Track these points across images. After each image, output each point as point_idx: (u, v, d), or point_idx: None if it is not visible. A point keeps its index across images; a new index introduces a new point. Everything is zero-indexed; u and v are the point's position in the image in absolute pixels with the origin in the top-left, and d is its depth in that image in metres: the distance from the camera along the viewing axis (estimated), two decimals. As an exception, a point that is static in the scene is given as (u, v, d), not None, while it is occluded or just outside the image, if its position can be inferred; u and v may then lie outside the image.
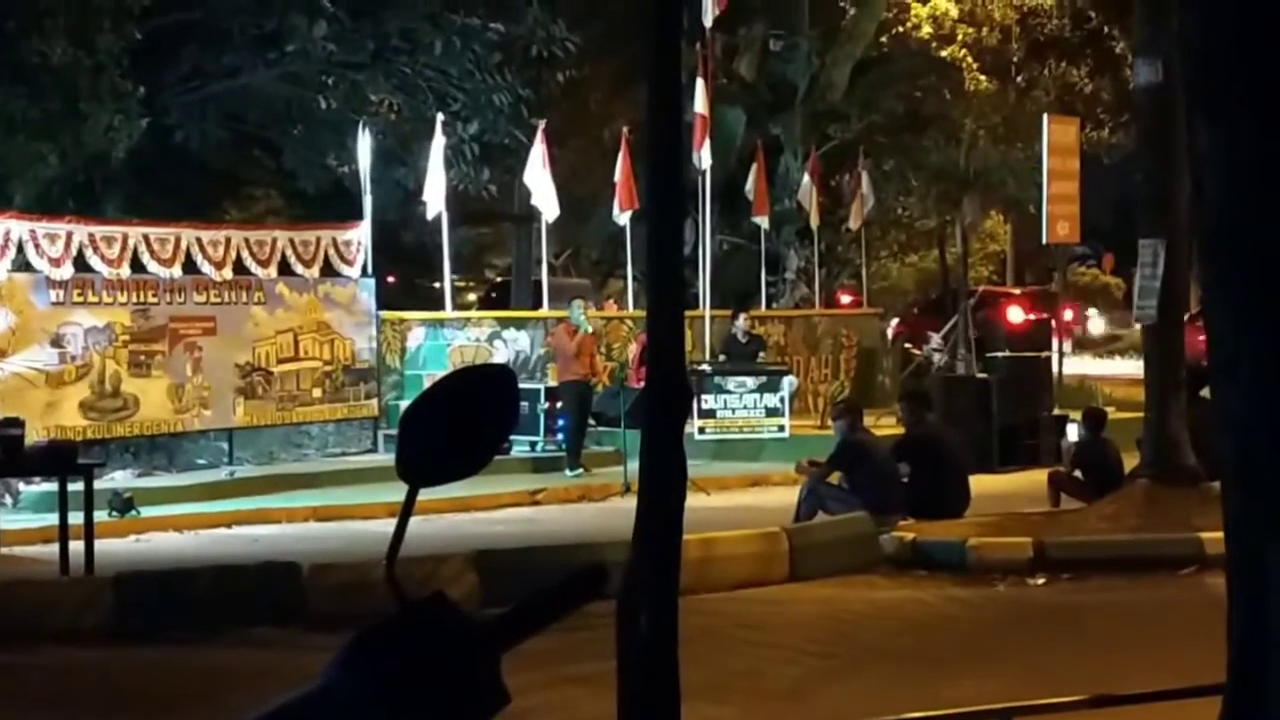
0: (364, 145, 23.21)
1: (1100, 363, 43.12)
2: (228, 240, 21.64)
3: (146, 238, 20.53)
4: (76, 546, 13.54)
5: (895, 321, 40.04)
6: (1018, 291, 41.28)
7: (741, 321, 24.81)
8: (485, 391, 2.20)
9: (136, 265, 20.38)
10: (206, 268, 21.15)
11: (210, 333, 21.20)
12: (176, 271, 20.81)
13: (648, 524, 2.90)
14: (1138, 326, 17.34)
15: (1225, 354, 3.89)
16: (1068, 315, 32.72)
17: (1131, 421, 19.35)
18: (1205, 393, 13.96)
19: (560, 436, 22.22)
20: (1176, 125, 15.31)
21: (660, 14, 2.90)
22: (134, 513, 17.82)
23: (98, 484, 14.98)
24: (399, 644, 2.04)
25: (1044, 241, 27.65)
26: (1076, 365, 37.12)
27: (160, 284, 20.65)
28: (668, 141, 2.88)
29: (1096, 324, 49.96)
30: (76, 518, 13.71)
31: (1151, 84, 16.13)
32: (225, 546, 16.32)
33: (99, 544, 13.94)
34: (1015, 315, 28.28)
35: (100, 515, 15.10)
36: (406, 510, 2.12)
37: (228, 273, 21.41)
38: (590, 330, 22.48)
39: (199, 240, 21.23)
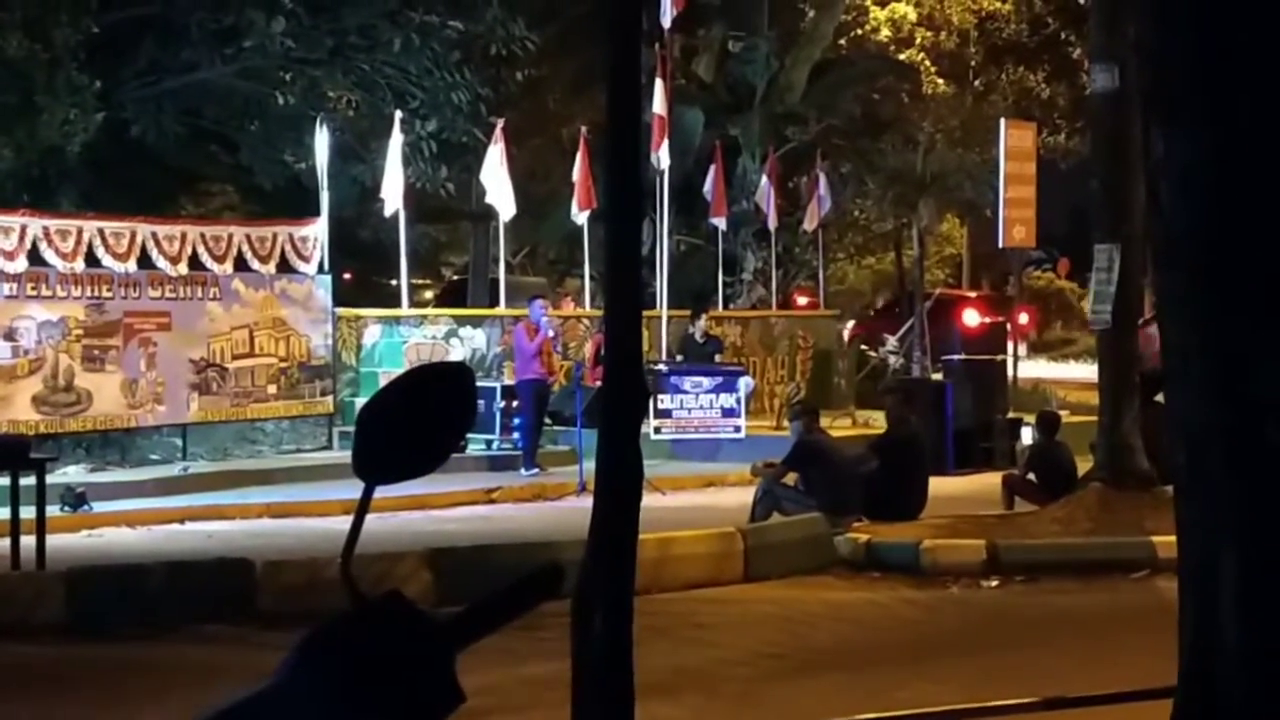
0: (322, 142, 23.15)
1: (1055, 366, 43.30)
2: (183, 235, 21.55)
3: (101, 232, 20.44)
4: (28, 541, 13.47)
5: (852, 323, 40.13)
6: (973, 295, 41.44)
7: (700, 322, 24.84)
8: (442, 389, 2.20)
9: (91, 259, 20.28)
10: (162, 263, 21.06)
11: (165, 328, 21.11)
12: (131, 266, 20.72)
13: (603, 523, 2.90)
14: (1092, 331, 17.41)
15: (1177, 361, 3.92)
16: (1023, 319, 32.82)
17: (1085, 425, 19.44)
18: (1159, 397, 14.04)
19: (516, 435, 22.20)
20: (1132, 131, 15.41)
21: (619, 15, 2.91)
22: (87, 508, 17.74)
23: (50, 479, 14.90)
24: (353, 643, 2.03)
25: (1000, 245, 27.75)
26: (1031, 369, 37.26)
27: (115, 279, 20.56)
28: (627, 142, 2.88)
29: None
30: (29, 512, 13.64)
31: (1107, 90, 16.21)
32: (179, 543, 16.26)
33: (51, 539, 13.88)
34: (971, 319, 28.41)
35: (53, 510, 15.02)
36: (362, 508, 2.12)
37: (183, 268, 21.32)
38: (551, 331, 22.46)
39: (154, 235, 21.14)
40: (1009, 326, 32.55)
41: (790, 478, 16.20)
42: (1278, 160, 3.62)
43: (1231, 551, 3.75)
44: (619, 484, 2.81)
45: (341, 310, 23.98)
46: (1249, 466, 3.72)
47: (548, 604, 2.22)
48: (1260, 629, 3.69)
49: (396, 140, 23.40)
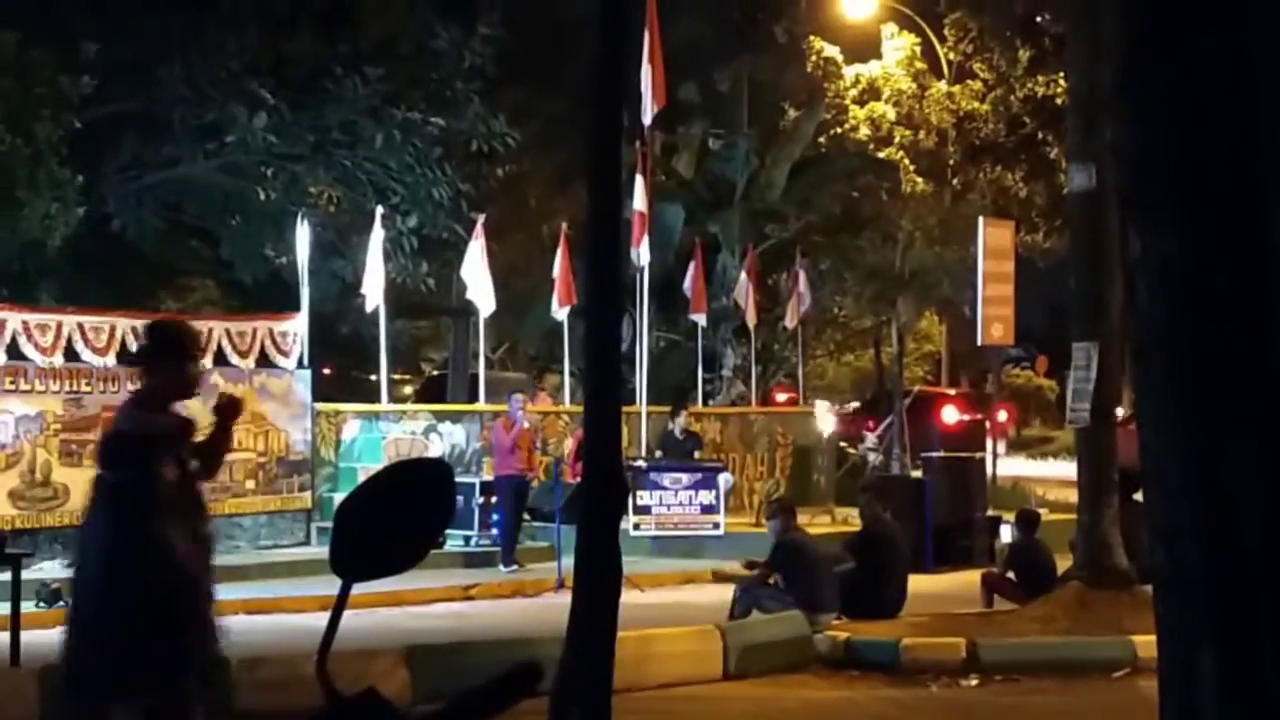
0: (302, 237, 23.18)
1: (1034, 464, 43.33)
2: (163, 330, 21.52)
3: (81, 326, 20.41)
4: (2, 637, 13.37)
5: (846, 406, 40.15)
6: (951, 392, 41.49)
7: (680, 418, 24.80)
8: (421, 486, 2.20)
9: (70, 354, 20.25)
10: (141, 357, 21.01)
11: (143, 422, 21.03)
12: (110, 360, 20.69)
13: (582, 620, 2.89)
14: (1070, 429, 17.43)
15: (1155, 461, 3.92)
16: (1001, 416, 32.87)
17: (1064, 523, 19.43)
18: (1138, 496, 14.03)
19: (495, 531, 22.13)
20: (1109, 230, 15.49)
21: (600, 113, 2.93)
22: (62, 604, 17.60)
23: (25, 574, 14.79)
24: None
25: (979, 343, 27.84)
26: (1010, 466, 37.28)
27: (94, 373, 20.51)
28: (607, 239, 2.90)
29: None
30: (3, 608, 13.54)
31: (1084, 190, 16.32)
32: (154, 639, 16.10)
33: (26, 635, 13.74)
34: (949, 416, 28.44)
35: (28, 606, 14.90)
36: (339, 605, 2.11)
37: (163, 362, 21.27)
38: (528, 425, 22.43)
39: (134, 329, 21.07)
40: (988, 424, 32.59)
41: (767, 573, 16.15)
42: (1253, 260, 3.64)
43: (1211, 652, 3.74)
44: (598, 580, 2.81)
45: (321, 405, 23.93)
46: (1227, 567, 3.72)
47: (526, 701, 2.21)
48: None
49: (377, 235, 23.44)
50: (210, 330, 22.27)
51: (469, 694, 2.17)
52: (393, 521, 2.17)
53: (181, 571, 7.24)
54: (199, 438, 7.76)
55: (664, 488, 23.23)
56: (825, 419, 29.33)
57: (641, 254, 24.41)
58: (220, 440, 7.87)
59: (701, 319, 28.79)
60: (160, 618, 7.12)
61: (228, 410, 7.90)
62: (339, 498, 22.75)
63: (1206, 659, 3.73)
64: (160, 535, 7.20)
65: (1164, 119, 3.72)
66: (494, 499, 22.11)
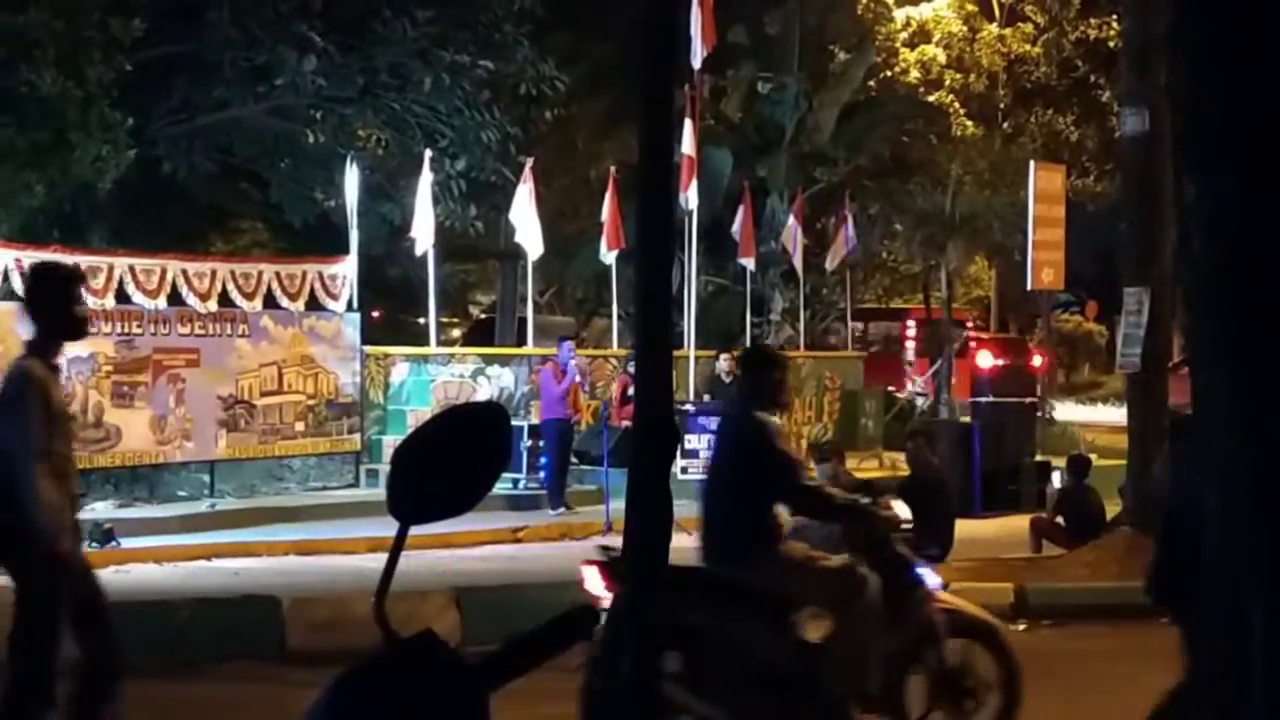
0: (351, 180, 23.22)
1: (1083, 409, 43.19)
2: (213, 272, 21.64)
3: (132, 268, 20.53)
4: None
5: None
6: (985, 337, 41.35)
7: (723, 362, 24.75)
8: (477, 430, 2.21)
9: (121, 296, 20.37)
10: (191, 299, 21.14)
11: (194, 364, 21.17)
12: (161, 303, 20.80)
13: (632, 563, 2.90)
14: (1121, 374, 17.36)
15: (1207, 406, 3.90)
16: (1036, 361, 32.76)
17: (1114, 469, 19.37)
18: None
19: (543, 474, 22.19)
20: (1162, 175, 15.39)
21: (651, 55, 2.92)
22: (114, 544, 17.77)
23: (79, 515, 14.91)
24: (389, 682, 2.04)
25: (1028, 288, 27.70)
26: (1060, 412, 37.16)
27: (145, 315, 20.63)
28: (659, 182, 2.89)
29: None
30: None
31: (1137, 133, 16.20)
32: (205, 579, 16.27)
33: (79, 575, 13.87)
34: (984, 360, 28.31)
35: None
36: (397, 548, 2.13)
37: (213, 305, 21.40)
38: (579, 377, 22.43)
39: (184, 272, 21.22)
40: (1036, 369, 32.42)
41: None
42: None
43: (1259, 595, 3.73)
44: (648, 524, 2.81)
45: (369, 348, 24.02)
46: (1278, 511, 3.71)
47: (578, 644, 2.22)
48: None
49: (426, 179, 23.47)
50: (260, 273, 22.38)
51: (524, 637, 2.19)
52: (450, 465, 2.18)
53: None
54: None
55: (711, 432, 23.20)
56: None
57: (690, 198, 24.38)
58: None
59: (750, 263, 28.75)
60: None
61: None
62: (388, 440, 22.91)
63: (1255, 602, 3.72)
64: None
65: (1224, 64, 3.69)
66: (541, 442, 22.17)
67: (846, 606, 8.52)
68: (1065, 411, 39.15)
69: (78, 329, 7.99)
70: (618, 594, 8.24)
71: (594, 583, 8.57)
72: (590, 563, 8.60)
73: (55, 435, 7.71)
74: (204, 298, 21.27)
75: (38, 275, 8.47)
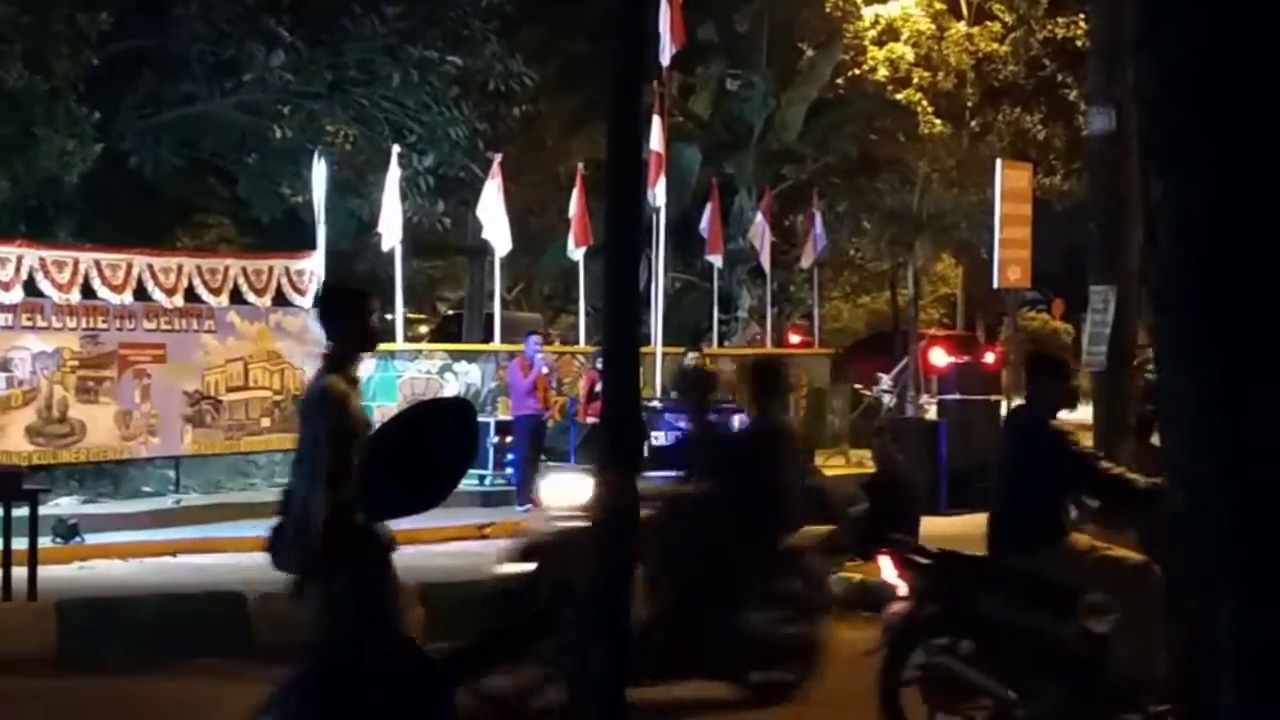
0: (319, 175, 23.16)
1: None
2: (180, 267, 21.56)
3: (98, 263, 20.45)
4: (20, 573, 13.45)
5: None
6: (938, 334, 41.44)
7: (691, 359, 24.75)
8: (445, 425, 2.21)
9: (87, 291, 20.29)
10: (158, 295, 21.06)
11: (160, 360, 21.11)
12: (127, 298, 20.73)
13: (600, 560, 2.90)
14: (1087, 371, 17.40)
15: (1175, 405, 3.93)
16: (989, 359, 32.85)
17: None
18: (1155, 439, 14.00)
19: (510, 470, 22.16)
20: (1128, 173, 15.43)
21: (622, 53, 2.92)
22: (79, 539, 17.70)
23: (43, 510, 14.87)
24: (354, 676, 2.03)
25: (995, 285, 27.75)
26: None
27: (110, 310, 20.56)
28: (627, 179, 2.89)
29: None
30: (20, 544, 13.62)
31: (1104, 132, 16.23)
32: (170, 575, 16.22)
33: (42, 570, 13.83)
34: (937, 358, 28.41)
35: (44, 541, 14.99)
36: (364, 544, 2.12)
37: (179, 300, 21.33)
38: (546, 370, 22.45)
39: (151, 267, 21.14)
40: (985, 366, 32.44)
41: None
42: (1274, 207, 3.64)
43: (1228, 593, 3.75)
44: (616, 520, 2.82)
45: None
46: (1246, 510, 3.73)
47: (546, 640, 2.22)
48: (1259, 672, 3.70)
49: (394, 174, 23.42)
50: (227, 268, 22.31)
51: (490, 635, 2.19)
52: (417, 461, 2.18)
53: None
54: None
55: (679, 429, 23.21)
56: None
57: (658, 195, 24.37)
58: None
59: (718, 260, 28.76)
60: None
61: None
62: (355, 436, 22.84)
63: (1224, 600, 3.75)
64: None
65: (1189, 63, 3.71)
66: (509, 439, 22.14)
67: (1133, 595, 8.75)
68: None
69: (372, 342, 8.22)
70: (913, 583, 9.03)
71: (889, 571, 9.21)
72: (885, 552, 9.23)
73: (355, 450, 7.79)
74: (170, 293, 21.20)
75: (332, 293, 8.83)
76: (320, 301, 8.75)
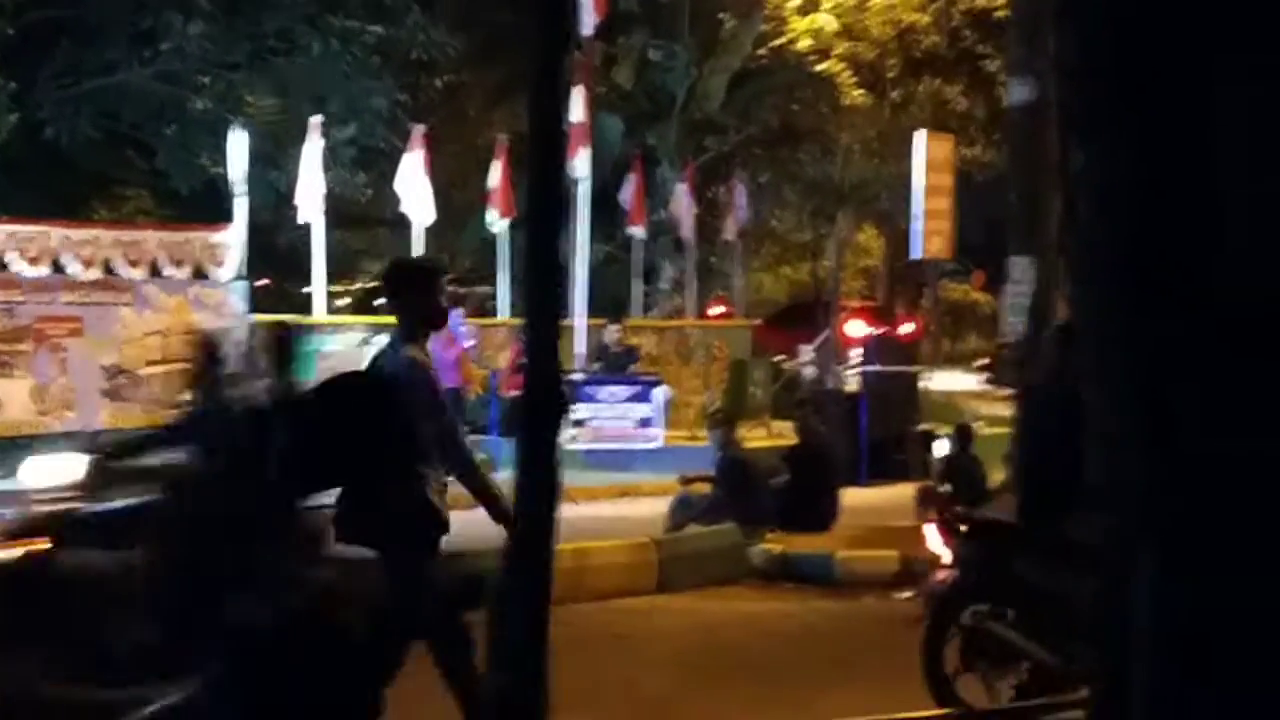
0: (238, 146, 22.97)
1: (965, 378, 43.58)
2: (97, 240, 21.36)
3: (13, 235, 20.23)
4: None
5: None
6: (855, 305, 41.69)
7: (613, 331, 24.72)
8: (363, 400, 2.19)
9: (1, 264, 20.07)
10: (74, 267, 20.86)
11: (77, 334, 20.91)
12: (44, 270, 20.51)
13: (520, 533, 2.88)
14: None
15: (1096, 374, 3.94)
16: (908, 328, 33.04)
17: (999, 437, 19.54)
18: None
19: (431, 443, 22.09)
20: (1048, 144, 15.53)
21: (544, 23, 2.89)
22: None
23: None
24: (277, 654, 2.02)
25: (916, 257, 27.89)
26: (946, 381, 37.48)
27: (26, 283, 20.35)
28: (549, 150, 2.87)
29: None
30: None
31: (1024, 103, 16.32)
32: (89, 550, 16.07)
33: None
34: (854, 329, 28.53)
35: (-39, 516, 14.83)
36: (284, 520, 2.10)
37: (96, 273, 21.13)
38: (471, 343, 22.40)
39: (67, 239, 20.93)
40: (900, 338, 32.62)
41: (704, 487, 16.23)
42: (1197, 177, 3.65)
43: (1148, 559, 3.77)
44: (536, 494, 2.80)
45: (256, 317, 23.78)
46: (1165, 477, 3.75)
47: (467, 614, 2.20)
48: (1174, 644, 3.72)
49: (314, 145, 23.26)
50: (145, 241, 22.11)
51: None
52: (335, 437, 2.16)
53: None
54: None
55: (600, 401, 23.24)
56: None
57: (579, 166, 24.32)
58: None
59: (640, 232, 28.73)
60: None
61: None
62: (276, 409, 22.72)
63: (1144, 565, 3.77)
64: None
65: (1111, 33, 3.71)
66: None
67: None
68: (951, 380, 39.47)
69: (442, 318, 8.28)
70: (956, 551, 9.22)
71: (934, 540, 9.36)
72: (930, 520, 9.42)
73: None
74: (87, 265, 21.00)
75: (402, 270, 8.73)
76: (388, 277, 8.71)
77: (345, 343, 24.34)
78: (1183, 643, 3.72)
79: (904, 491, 19.25)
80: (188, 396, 10.66)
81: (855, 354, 27.27)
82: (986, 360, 38.25)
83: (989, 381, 36.34)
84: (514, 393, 21.61)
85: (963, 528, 9.29)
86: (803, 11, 37.27)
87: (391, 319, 8.36)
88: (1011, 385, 17.53)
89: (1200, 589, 3.71)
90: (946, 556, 9.33)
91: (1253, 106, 3.59)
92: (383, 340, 8.54)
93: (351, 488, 3.36)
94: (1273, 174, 3.60)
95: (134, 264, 21.60)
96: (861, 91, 36.48)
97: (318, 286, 24.92)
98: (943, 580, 9.40)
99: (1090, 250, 3.88)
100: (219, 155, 24.02)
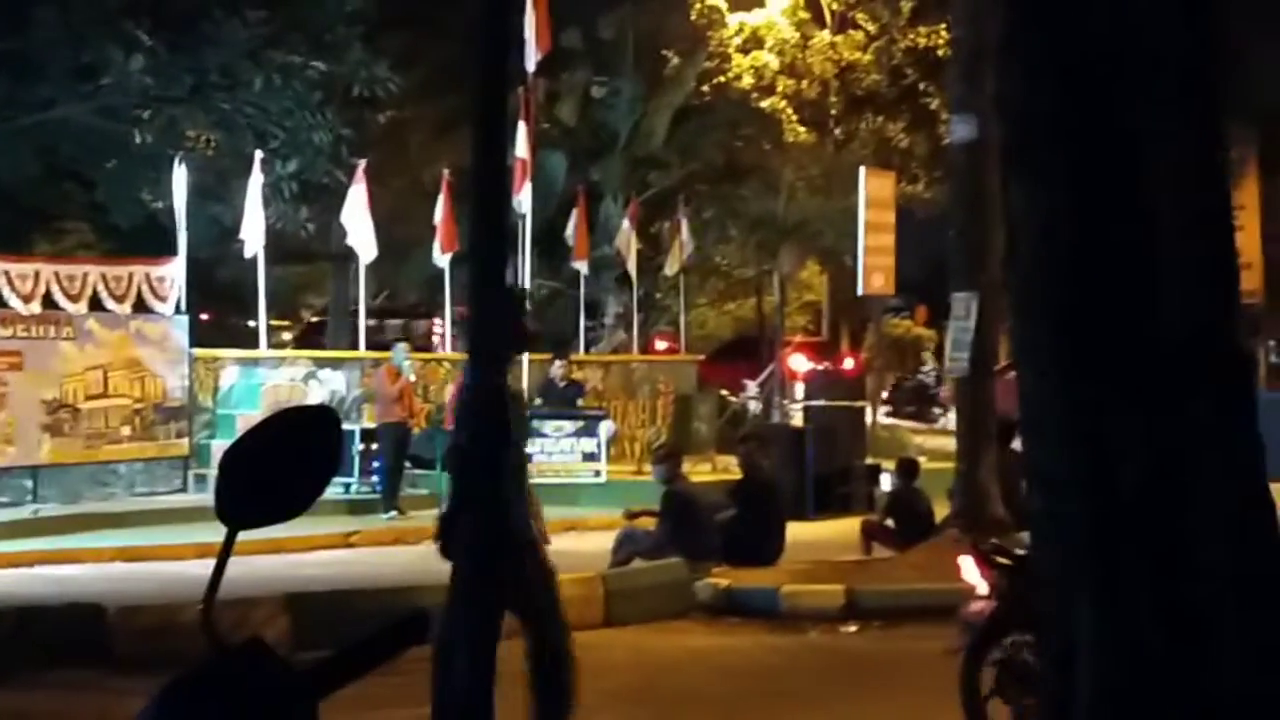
0: (180, 181, 22.89)
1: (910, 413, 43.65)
2: (37, 274, 21.23)
3: (-47, 270, 20.11)
4: None
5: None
6: (798, 341, 41.81)
7: (558, 366, 24.73)
8: (307, 434, 2.18)
9: (-58, 297, 19.95)
10: (15, 301, 20.73)
11: (17, 368, 20.76)
12: (-15, 304, 20.40)
13: (466, 568, 2.88)
14: (949, 378, 17.61)
15: (1035, 413, 3.97)
16: (848, 364, 33.18)
17: (943, 471, 19.62)
18: (1016, 444, 14.16)
19: (376, 478, 22.03)
20: (990, 181, 15.62)
21: (487, 60, 2.90)
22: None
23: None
24: (215, 692, 2.00)
25: (860, 292, 27.98)
26: (887, 415, 37.56)
27: (-33, 316, 20.22)
28: (492, 186, 2.88)
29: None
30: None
31: (966, 141, 16.45)
32: (28, 586, 15.93)
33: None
34: (797, 364, 28.65)
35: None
36: (224, 553, 2.09)
37: (36, 307, 21.00)
38: (414, 378, 22.39)
39: (7, 273, 20.81)
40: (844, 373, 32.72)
41: (650, 522, 16.21)
42: (1134, 217, 3.69)
43: (1087, 597, 3.79)
44: (481, 529, 2.80)
45: (198, 351, 23.69)
46: (1103, 516, 3.78)
47: (412, 650, 2.20)
48: (1114, 673, 3.74)
49: (256, 180, 23.20)
50: (86, 275, 21.99)
51: (355, 644, 2.16)
52: (279, 469, 2.15)
53: None
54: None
55: (545, 435, 23.21)
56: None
57: (523, 201, 24.31)
58: None
59: (584, 267, 28.74)
60: None
61: None
62: (216, 445, 22.60)
63: (1083, 604, 3.79)
64: None
65: (1053, 76, 3.75)
66: (374, 446, 22.02)
67: None
68: (895, 415, 39.56)
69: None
70: (993, 582, 9.39)
71: (970, 572, 9.58)
72: (967, 552, 9.60)
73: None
74: (27, 299, 20.86)
75: None
76: None
77: (289, 376, 24.24)
78: (1120, 669, 3.75)
79: (850, 525, 19.29)
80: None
81: (800, 389, 27.35)
82: (886, 393, 38.45)
83: (889, 415, 36.55)
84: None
85: (1002, 560, 9.49)
86: (745, 49, 37.44)
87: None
88: (912, 417, 17.70)
89: (1139, 626, 3.74)
90: (983, 588, 9.61)
91: (1176, 172, 3.64)
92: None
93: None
94: (1196, 237, 3.65)
95: (74, 298, 21.48)
96: (804, 129, 36.65)
97: (262, 321, 24.84)
98: (979, 611, 9.65)
99: (1029, 287, 3.92)
100: (160, 189, 23.93)
